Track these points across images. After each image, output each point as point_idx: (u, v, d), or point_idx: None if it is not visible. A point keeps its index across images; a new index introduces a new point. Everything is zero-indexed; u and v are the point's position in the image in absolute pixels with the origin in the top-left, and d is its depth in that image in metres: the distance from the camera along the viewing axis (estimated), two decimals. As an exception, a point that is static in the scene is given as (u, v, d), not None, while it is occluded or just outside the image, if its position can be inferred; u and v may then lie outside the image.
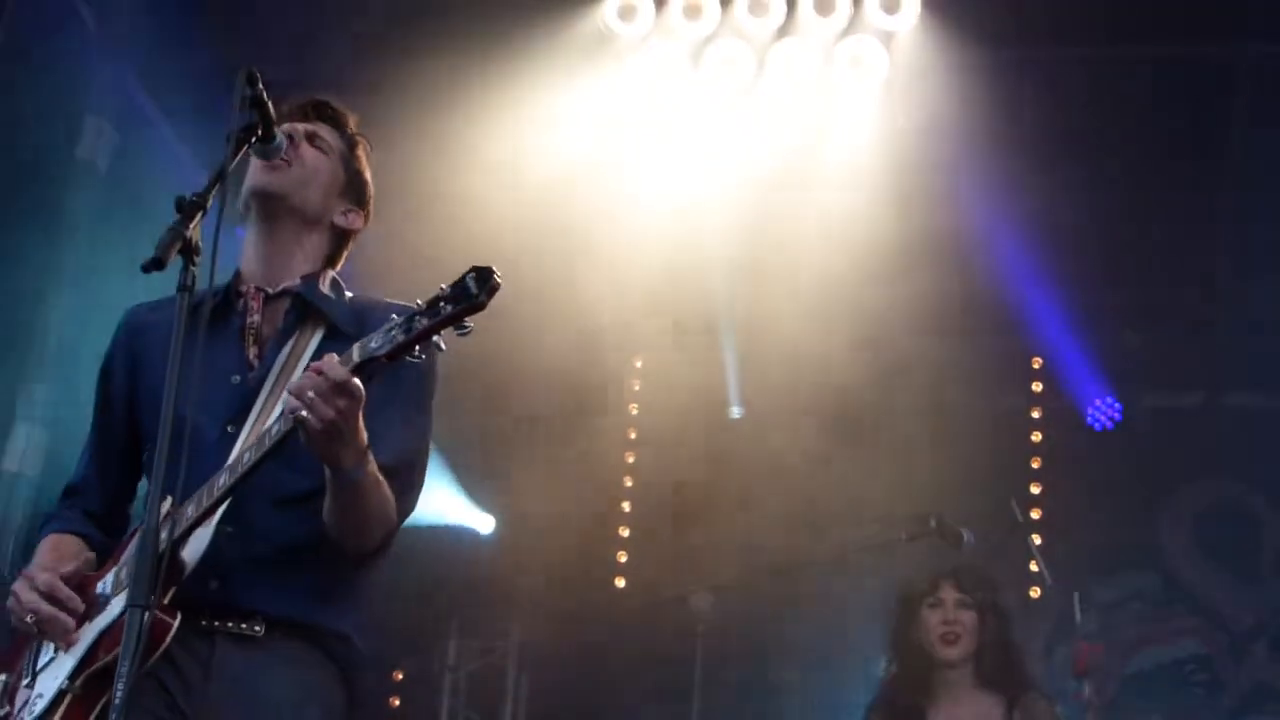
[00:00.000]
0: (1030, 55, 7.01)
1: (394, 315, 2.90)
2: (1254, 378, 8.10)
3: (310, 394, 2.91)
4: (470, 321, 2.82)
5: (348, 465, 3.04)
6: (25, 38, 6.35)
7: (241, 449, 3.14)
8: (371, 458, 3.09)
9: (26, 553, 6.00)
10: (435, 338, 2.85)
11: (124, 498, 3.53)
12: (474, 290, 2.79)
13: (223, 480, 3.04)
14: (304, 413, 2.92)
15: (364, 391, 2.96)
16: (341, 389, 2.92)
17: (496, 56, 7.08)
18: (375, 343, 2.90)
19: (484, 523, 8.73)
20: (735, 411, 8.51)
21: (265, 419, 3.21)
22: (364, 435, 3.04)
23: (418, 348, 2.87)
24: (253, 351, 3.34)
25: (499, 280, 2.80)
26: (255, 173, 3.40)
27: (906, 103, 7.00)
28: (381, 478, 3.15)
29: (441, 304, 2.82)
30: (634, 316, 7.82)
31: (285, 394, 3.00)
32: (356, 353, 2.93)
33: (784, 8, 6.99)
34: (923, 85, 6.91)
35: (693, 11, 7.08)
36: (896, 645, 5.76)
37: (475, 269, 2.81)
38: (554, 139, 7.14)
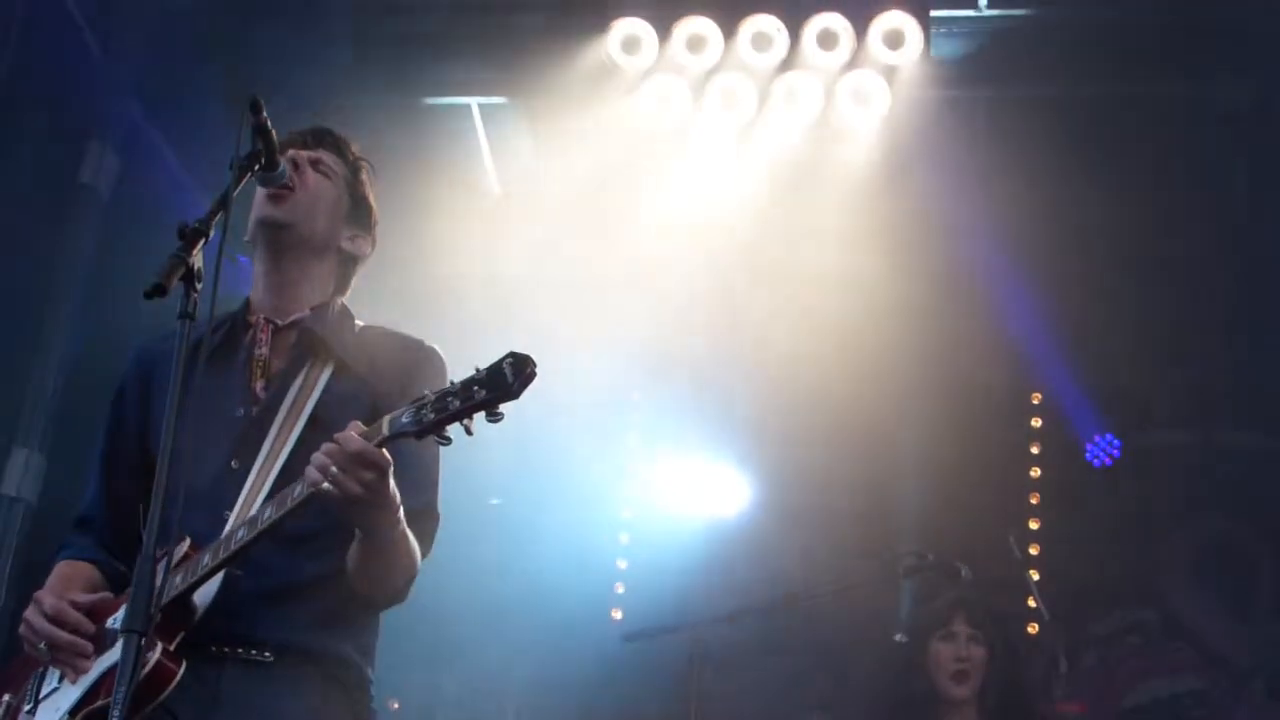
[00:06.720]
0: (1033, 92, 7.02)
1: (426, 391, 2.87)
2: (1252, 416, 8.09)
3: (332, 469, 2.89)
4: (503, 409, 2.79)
5: (381, 528, 3.04)
6: (30, 63, 6.37)
7: (248, 496, 3.14)
8: (402, 515, 3.08)
9: (24, 577, 6.01)
10: (465, 421, 2.82)
11: (136, 526, 3.44)
12: (509, 378, 2.75)
13: (241, 534, 3.03)
14: (325, 485, 2.90)
15: (390, 461, 2.93)
16: (361, 460, 2.89)
17: (500, 91, 7.12)
18: (406, 418, 2.88)
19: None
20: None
21: (276, 456, 3.20)
22: (395, 498, 3.02)
23: (446, 429, 2.84)
24: (259, 384, 3.32)
25: (534, 370, 2.76)
26: (261, 203, 3.37)
27: (908, 138, 7.00)
28: (410, 532, 3.14)
29: (475, 388, 2.78)
30: (633, 351, 7.80)
31: (308, 467, 2.96)
32: (386, 426, 2.91)
33: (787, 41, 7.00)
34: (925, 120, 6.91)
35: (696, 44, 7.08)
36: (900, 674, 5.62)
37: (513, 355, 2.77)
38: (554, 171, 7.16)
